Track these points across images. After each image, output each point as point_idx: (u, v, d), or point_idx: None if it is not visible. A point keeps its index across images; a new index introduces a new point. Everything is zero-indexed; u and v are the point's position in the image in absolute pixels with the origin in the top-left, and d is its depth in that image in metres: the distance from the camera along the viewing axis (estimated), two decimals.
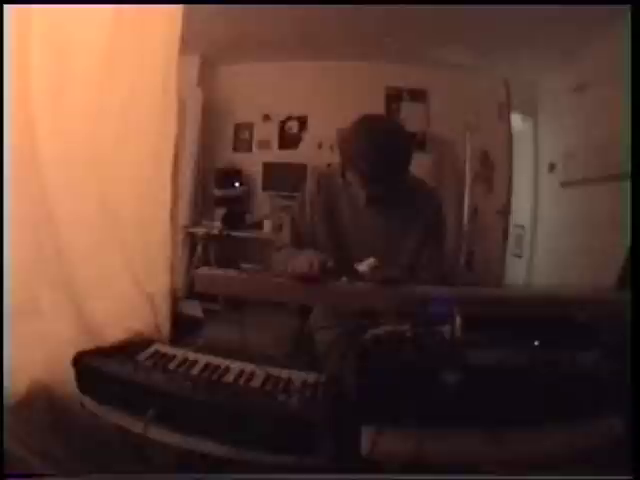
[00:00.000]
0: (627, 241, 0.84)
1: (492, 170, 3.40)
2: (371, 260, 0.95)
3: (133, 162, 0.97)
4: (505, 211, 3.17)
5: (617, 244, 1.31)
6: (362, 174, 0.99)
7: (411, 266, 1.12)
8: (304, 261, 0.94)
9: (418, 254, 1.12)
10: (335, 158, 1.13)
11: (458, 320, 0.69)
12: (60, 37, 0.86)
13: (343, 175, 1.12)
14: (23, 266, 0.86)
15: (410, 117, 3.40)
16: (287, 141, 3.73)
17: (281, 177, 3.53)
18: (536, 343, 0.72)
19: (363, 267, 0.95)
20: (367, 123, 1.01)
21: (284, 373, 0.83)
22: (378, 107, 3.43)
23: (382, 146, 0.96)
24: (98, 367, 0.80)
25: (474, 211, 3.51)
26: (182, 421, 0.72)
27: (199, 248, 3.23)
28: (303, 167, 3.46)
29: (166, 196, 1.00)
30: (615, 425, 0.67)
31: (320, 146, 3.60)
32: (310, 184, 1.18)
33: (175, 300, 1.07)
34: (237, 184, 3.57)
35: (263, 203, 3.66)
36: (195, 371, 0.82)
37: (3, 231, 0.82)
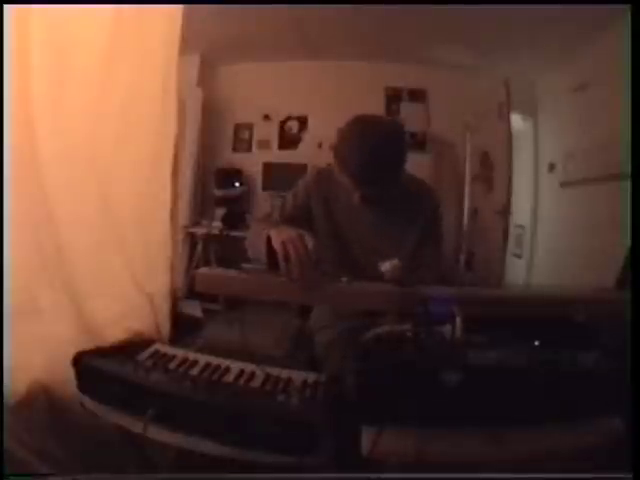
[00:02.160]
0: (627, 241, 0.84)
1: (492, 170, 3.40)
2: (395, 261, 0.94)
3: (133, 162, 0.97)
4: (505, 211, 3.16)
5: (617, 244, 1.31)
6: (353, 177, 0.97)
7: (411, 266, 1.12)
8: (286, 236, 0.85)
9: (416, 254, 1.13)
10: None
11: (458, 320, 0.69)
12: (60, 37, 0.86)
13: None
14: (23, 266, 0.86)
15: (410, 117, 3.40)
16: (287, 141, 3.73)
17: (281, 177, 3.53)
18: (536, 343, 0.72)
19: (386, 267, 0.95)
20: (359, 124, 0.99)
21: (284, 373, 0.83)
22: (378, 107, 3.43)
23: (373, 148, 0.94)
24: (98, 367, 0.80)
25: (474, 211, 3.51)
26: (182, 421, 0.72)
27: (199, 248, 3.23)
28: (303, 167, 3.45)
29: (166, 196, 1.00)
30: (615, 425, 0.67)
31: (320, 146, 3.61)
32: (309, 176, 1.18)
33: (175, 300, 1.07)
34: (237, 184, 3.57)
35: (263, 203, 3.65)
36: (195, 371, 0.82)
37: (3, 231, 0.82)
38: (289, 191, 1.20)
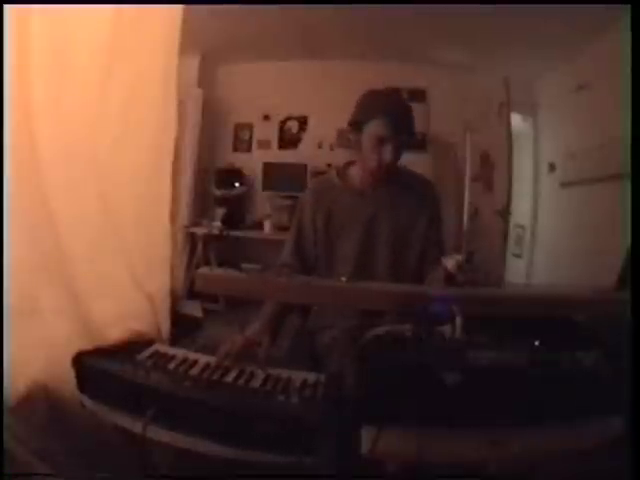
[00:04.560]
0: (627, 241, 0.84)
1: (492, 170, 3.40)
2: (458, 257, 0.92)
3: (133, 162, 0.97)
4: (505, 211, 3.16)
5: (617, 244, 1.31)
6: (393, 119, 1.03)
7: (422, 257, 1.14)
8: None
9: (426, 245, 1.14)
10: (334, 158, 1.13)
11: (458, 320, 0.69)
12: (60, 37, 0.86)
13: (339, 175, 1.16)
14: (23, 266, 0.86)
15: None
16: (287, 141, 3.73)
17: (281, 177, 3.53)
18: (536, 343, 0.72)
19: (450, 264, 0.92)
20: (376, 89, 1.15)
21: (284, 373, 0.83)
22: None
23: (400, 99, 1.16)
24: (98, 367, 0.80)
25: (474, 211, 3.50)
26: (182, 421, 0.72)
27: (199, 248, 3.23)
28: (303, 167, 3.46)
29: (166, 196, 1.00)
30: (615, 425, 0.67)
31: (320, 146, 3.60)
32: (306, 199, 1.19)
33: (175, 300, 1.07)
34: (237, 184, 3.56)
35: (263, 203, 3.65)
36: (195, 371, 0.82)
37: (3, 231, 0.82)
38: (293, 221, 1.21)
